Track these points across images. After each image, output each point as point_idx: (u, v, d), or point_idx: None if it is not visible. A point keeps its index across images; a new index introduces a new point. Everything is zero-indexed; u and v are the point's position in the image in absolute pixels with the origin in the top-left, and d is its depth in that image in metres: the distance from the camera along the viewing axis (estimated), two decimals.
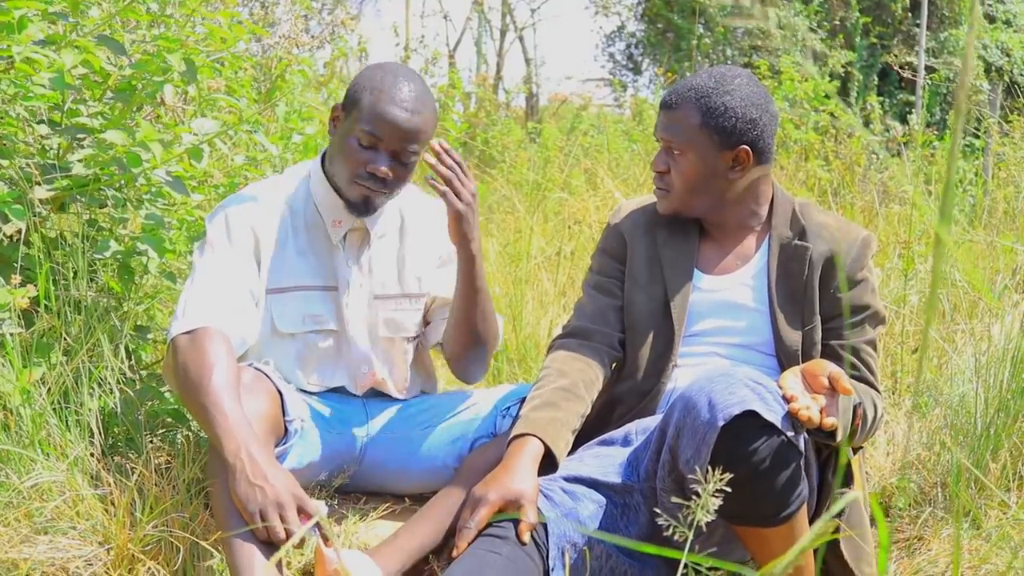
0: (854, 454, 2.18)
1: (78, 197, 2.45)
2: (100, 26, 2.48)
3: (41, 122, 2.46)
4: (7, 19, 2.28)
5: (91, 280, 2.48)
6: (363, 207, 2.23)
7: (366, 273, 2.36)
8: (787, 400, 1.81)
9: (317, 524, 1.87)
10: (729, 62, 10.38)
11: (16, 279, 2.17)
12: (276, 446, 2.10)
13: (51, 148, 2.54)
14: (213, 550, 1.99)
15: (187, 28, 2.59)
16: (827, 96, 7.13)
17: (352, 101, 2.20)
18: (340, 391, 2.40)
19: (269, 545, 1.84)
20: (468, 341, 2.32)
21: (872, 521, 2.64)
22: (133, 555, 1.97)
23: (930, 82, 8.96)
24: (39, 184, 2.31)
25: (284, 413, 2.13)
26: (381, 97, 2.16)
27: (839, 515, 2.05)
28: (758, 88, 2.16)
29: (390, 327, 2.40)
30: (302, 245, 2.29)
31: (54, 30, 2.49)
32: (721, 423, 1.75)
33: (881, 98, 9.54)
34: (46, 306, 2.27)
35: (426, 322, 2.48)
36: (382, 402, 2.46)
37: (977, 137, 6.82)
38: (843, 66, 9.51)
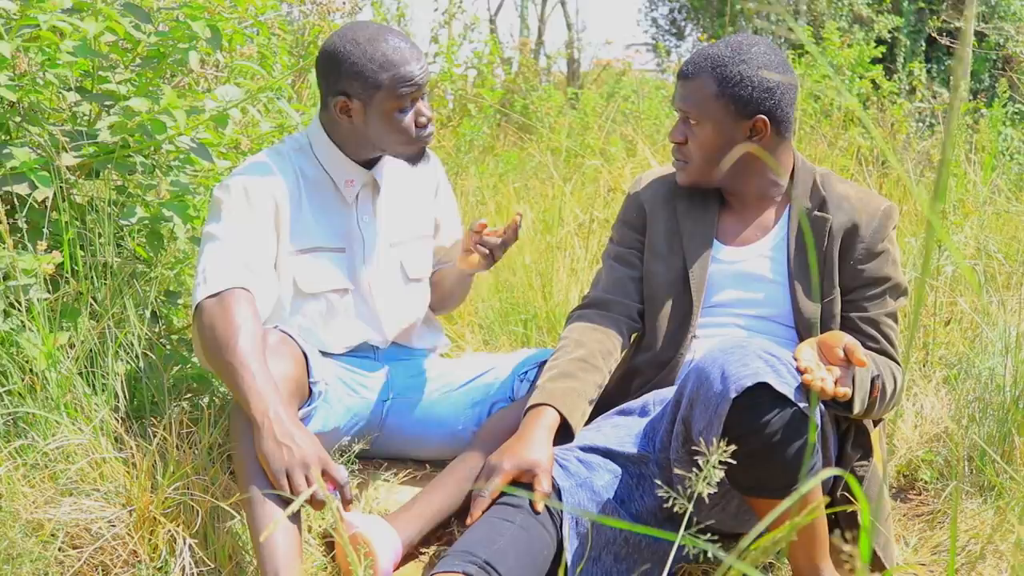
0: (875, 427, 2.16)
1: (107, 164, 2.47)
2: None
3: (70, 89, 2.48)
4: None
5: (119, 246, 2.51)
6: (423, 154, 2.33)
7: (381, 222, 2.41)
8: (801, 372, 1.80)
9: (337, 487, 1.89)
10: (773, 27, 10.23)
11: (42, 245, 2.20)
12: (300, 408, 2.12)
13: (82, 115, 2.57)
14: (233, 512, 2.02)
15: None
16: (872, 62, 7.01)
17: (364, 87, 2.22)
18: (363, 355, 2.42)
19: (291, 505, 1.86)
20: (448, 302, 2.69)
21: (895, 495, 2.62)
22: (154, 517, 2.01)
23: (978, 48, 8.77)
24: (66, 151, 2.34)
25: (309, 375, 2.15)
26: (394, 64, 2.21)
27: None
28: (776, 56, 2.12)
29: (415, 268, 2.47)
30: (316, 208, 2.32)
31: None
32: (733, 395, 1.75)
33: (929, 64, 9.37)
34: (73, 271, 2.30)
35: None
36: (403, 366, 2.48)
37: None
38: (890, 31, 9.33)
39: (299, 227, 2.29)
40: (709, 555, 1.87)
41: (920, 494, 2.64)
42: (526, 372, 2.40)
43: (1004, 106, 5.96)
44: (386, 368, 2.46)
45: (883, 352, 2.13)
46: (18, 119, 2.44)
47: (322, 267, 2.32)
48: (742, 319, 2.19)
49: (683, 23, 12.63)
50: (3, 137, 2.43)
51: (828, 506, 2.04)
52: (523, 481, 1.95)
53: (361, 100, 2.24)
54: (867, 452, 2.11)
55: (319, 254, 2.32)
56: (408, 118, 2.25)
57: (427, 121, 2.28)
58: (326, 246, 2.33)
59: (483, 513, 1.93)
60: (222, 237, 2.16)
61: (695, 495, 1.60)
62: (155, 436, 2.10)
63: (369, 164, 2.38)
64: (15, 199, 2.31)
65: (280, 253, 2.26)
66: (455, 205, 2.66)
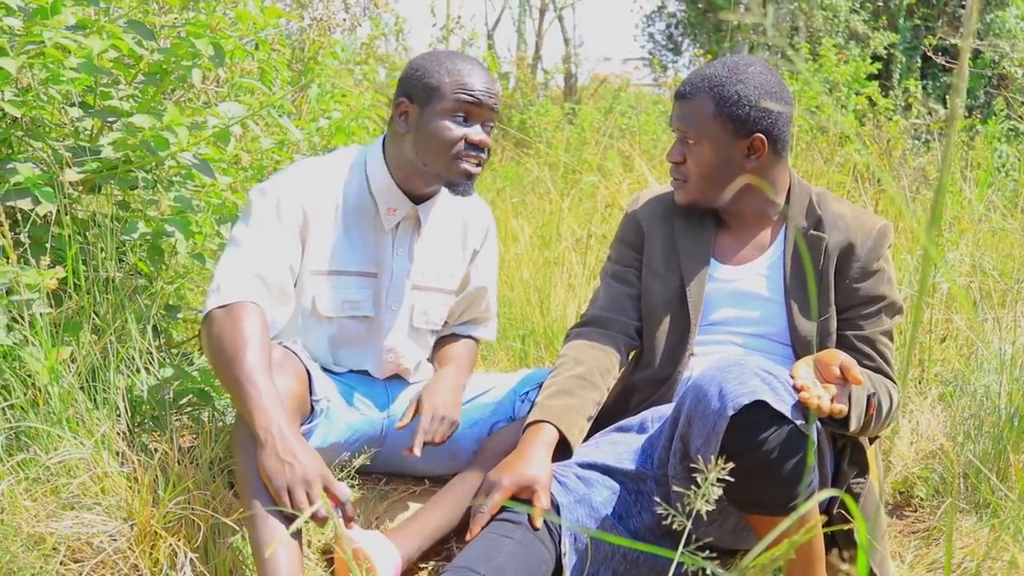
0: (870, 444, 2.18)
1: (110, 179, 2.49)
2: (132, 10, 2.51)
3: (73, 104, 2.50)
4: (41, 3, 2.32)
5: (120, 261, 2.52)
6: (467, 184, 2.27)
7: (412, 262, 2.39)
8: (797, 389, 1.82)
9: (339, 504, 1.90)
10: (769, 44, 10.29)
11: (45, 260, 2.22)
12: (301, 424, 2.13)
13: (84, 130, 2.58)
14: (235, 527, 2.03)
15: (216, 13, 2.61)
16: (868, 78, 7.04)
17: (426, 89, 2.23)
18: (364, 373, 2.43)
19: (293, 522, 1.87)
20: None
21: (891, 512, 2.64)
22: (155, 532, 2.01)
23: (973, 65, 8.81)
24: (69, 166, 2.35)
25: (311, 392, 2.15)
26: (460, 73, 2.23)
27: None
28: (772, 76, 2.15)
29: (423, 318, 2.45)
30: (350, 230, 2.31)
31: (86, 14, 2.52)
32: (731, 412, 1.76)
33: (925, 81, 9.41)
34: (76, 285, 2.32)
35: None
36: (404, 385, 2.49)
37: None
38: (886, 48, 9.38)
39: (328, 247, 2.28)
40: (708, 572, 1.88)
41: (916, 511, 2.65)
42: (527, 392, 2.40)
43: (1000, 123, 5.99)
44: (387, 386, 2.47)
45: (879, 370, 2.14)
46: (21, 134, 2.45)
47: (344, 292, 2.31)
48: (739, 337, 2.20)
49: (680, 39, 12.69)
50: (7, 152, 2.45)
51: (825, 524, 2.05)
52: (522, 497, 1.96)
53: (419, 104, 2.25)
54: (863, 469, 2.12)
55: (345, 278, 2.31)
56: (457, 131, 2.22)
57: (481, 142, 2.23)
58: (354, 270, 2.32)
59: (482, 529, 1.94)
60: (244, 244, 2.16)
61: (693, 512, 1.61)
62: (156, 450, 2.11)
63: (417, 200, 2.38)
64: (18, 214, 2.33)
65: (304, 269, 2.27)
66: (494, 274, 2.63)
